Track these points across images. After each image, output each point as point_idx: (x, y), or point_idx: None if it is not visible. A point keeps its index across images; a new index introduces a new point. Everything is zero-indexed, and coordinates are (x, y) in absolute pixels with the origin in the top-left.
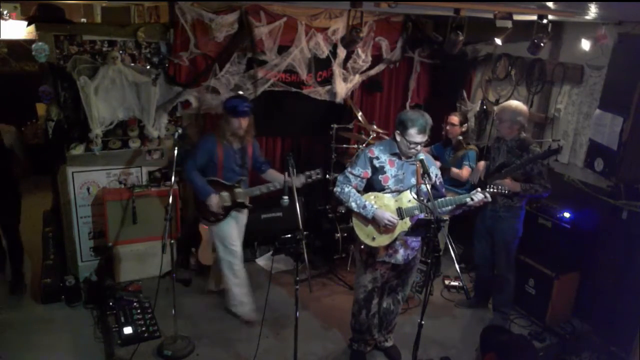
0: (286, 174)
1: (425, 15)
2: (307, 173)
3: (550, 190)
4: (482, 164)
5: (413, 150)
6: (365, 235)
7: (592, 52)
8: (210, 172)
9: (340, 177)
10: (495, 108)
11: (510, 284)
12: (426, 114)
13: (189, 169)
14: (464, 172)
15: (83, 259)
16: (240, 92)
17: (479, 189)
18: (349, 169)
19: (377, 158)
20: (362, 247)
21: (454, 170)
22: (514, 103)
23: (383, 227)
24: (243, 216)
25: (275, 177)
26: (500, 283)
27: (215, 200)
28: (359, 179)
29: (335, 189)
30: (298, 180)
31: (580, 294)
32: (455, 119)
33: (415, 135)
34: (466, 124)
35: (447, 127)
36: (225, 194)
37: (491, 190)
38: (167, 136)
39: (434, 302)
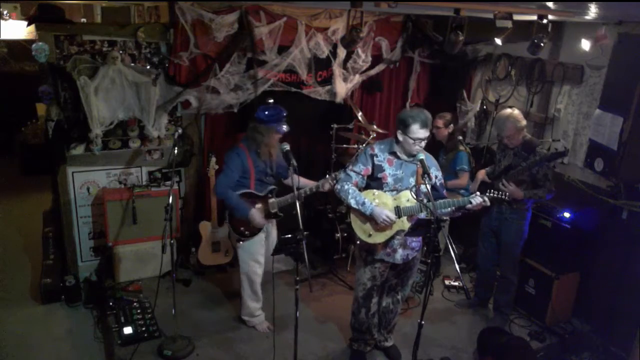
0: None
1: (425, 15)
2: (333, 175)
3: (555, 192)
4: (482, 172)
5: (418, 147)
6: (362, 231)
7: (592, 52)
8: (241, 185)
9: (341, 175)
10: (494, 124)
11: (514, 285)
12: (425, 110)
13: (221, 187)
14: (462, 180)
15: (83, 259)
16: (271, 100)
17: (478, 193)
18: (350, 167)
19: (377, 156)
20: (358, 242)
21: (451, 182)
22: (508, 113)
23: (381, 224)
24: (273, 229)
25: (299, 182)
26: (503, 284)
27: (257, 215)
28: (360, 176)
29: (335, 187)
30: (327, 185)
31: (580, 294)
32: (439, 121)
33: (418, 131)
34: (451, 125)
35: (434, 131)
36: (259, 206)
37: (490, 195)
38: (167, 136)
39: (434, 302)
